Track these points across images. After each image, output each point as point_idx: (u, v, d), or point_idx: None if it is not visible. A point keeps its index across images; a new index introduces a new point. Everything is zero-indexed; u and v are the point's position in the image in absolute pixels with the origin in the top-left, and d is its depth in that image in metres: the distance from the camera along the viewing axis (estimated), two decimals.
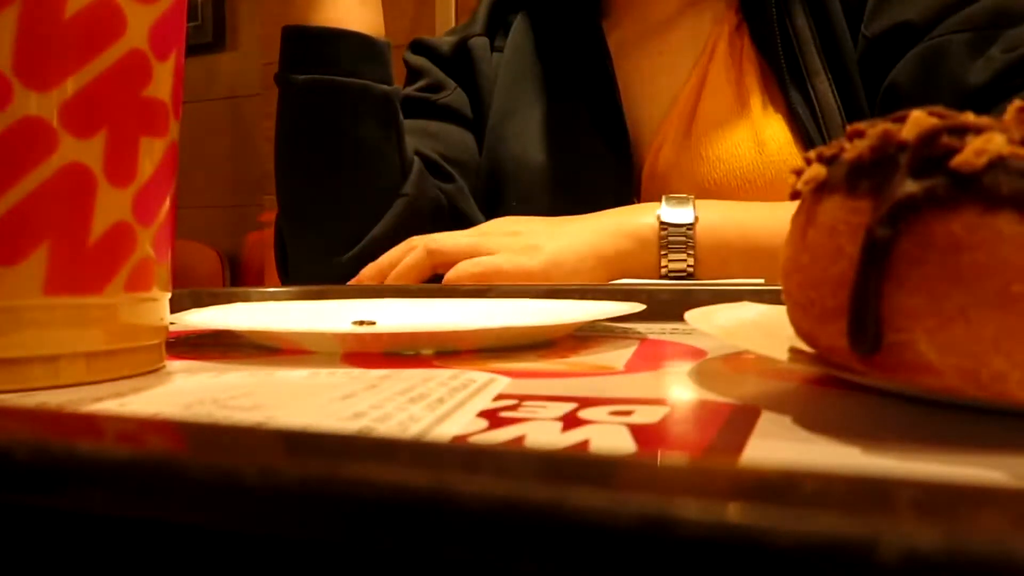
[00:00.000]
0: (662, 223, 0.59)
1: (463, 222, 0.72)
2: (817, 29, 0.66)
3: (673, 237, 0.58)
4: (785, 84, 0.65)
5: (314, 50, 0.67)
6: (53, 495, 0.12)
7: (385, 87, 0.68)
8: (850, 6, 0.67)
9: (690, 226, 0.58)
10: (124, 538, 0.14)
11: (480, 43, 0.80)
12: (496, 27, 0.81)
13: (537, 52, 0.77)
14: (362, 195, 0.67)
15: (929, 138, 0.17)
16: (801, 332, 0.21)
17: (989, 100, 0.58)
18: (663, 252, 0.59)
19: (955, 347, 0.17)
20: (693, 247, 0.58)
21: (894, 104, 0.63)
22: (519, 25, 0.79)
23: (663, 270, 0.59)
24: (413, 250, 0.60)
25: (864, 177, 0.19)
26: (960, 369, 0.17)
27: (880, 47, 0.65)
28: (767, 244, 0.57)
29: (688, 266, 0.58)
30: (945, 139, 0.17)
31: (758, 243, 0.57)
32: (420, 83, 0.80)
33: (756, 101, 0.67)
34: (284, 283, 0.76)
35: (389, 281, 0.60)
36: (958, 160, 0.17)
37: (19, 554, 0.15)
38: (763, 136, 0.66)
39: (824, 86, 0.64)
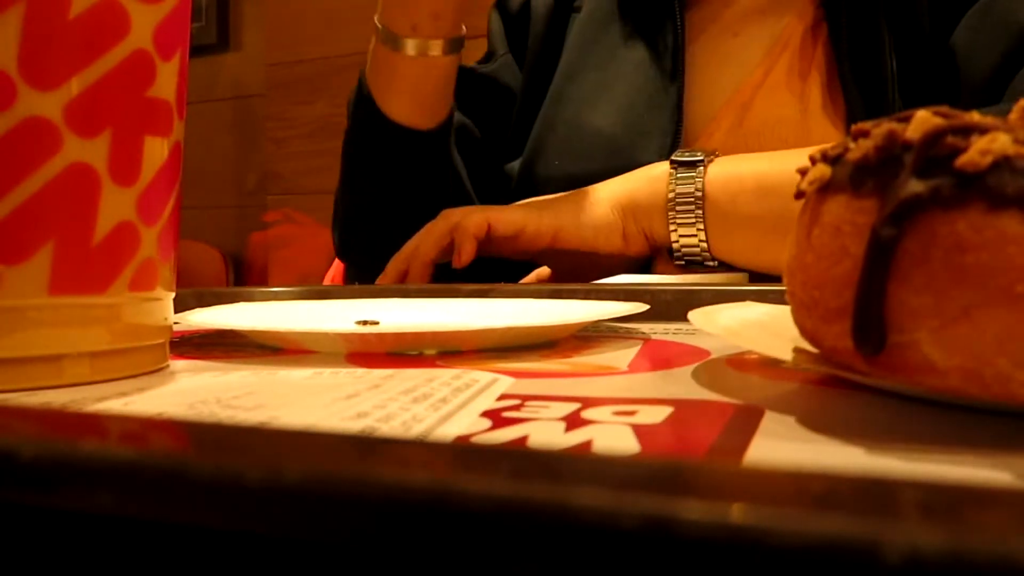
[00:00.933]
0: (672, 161, 0.60)
1: (461, 197, 0.75)
2: (893, 35, 0.64)
3: (682, 172, 0.59)
4: (850, 93, 0.64)
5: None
6: (57, 495, 0.12)
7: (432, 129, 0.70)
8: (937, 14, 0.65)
9: (700, 162, 0.59)
10: (127, 538, 0.14)
11: (541, 3, 0.81)
12: None
13: (610, 18, 0.76)
14: (408, 214, 0.70)
15: (934, 138, 0.17)
16: (805, 332, 0.21)
17: None
18: (671, 184, 0.59)
19: (959, 348, 0.17)
20: (702, 177, 0.59)
21: (953, 67, 0.62)
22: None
23: (670, 195, 0.59)
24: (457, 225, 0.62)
25: (869, 177, 0.19)
26: (964, 370, 0.17)
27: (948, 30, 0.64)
28: (778, 183, 0.56)
29: (696, 190, 0.58)
30: (950, 139, 0.17)
31: (770, 181, 0.57)
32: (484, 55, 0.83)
33: (816, 101, 0.65)
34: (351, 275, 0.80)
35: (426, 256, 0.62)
36: (963, 160, 0.17)
37: (22, 554, 0.15)
38: (815, 137, 0.65)
39: (893, 94, 0.63)
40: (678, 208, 0.59)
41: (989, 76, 0.59)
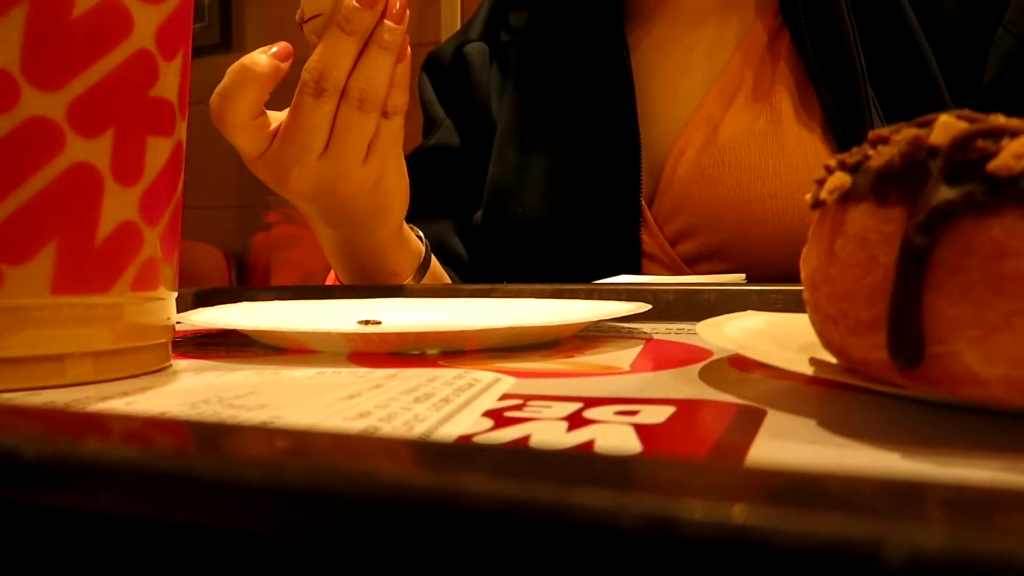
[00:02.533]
0: None
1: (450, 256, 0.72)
2: (861, 34, 0.63)
3: None
4: (822, 92, 0.63)
5: None
6: (60, 494, 0.12)
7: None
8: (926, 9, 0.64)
9: None
10: (130, 537, 0.14)
11: (475, 49, 0.78)
12: (497, 28, 0.79)
13: (550, 50, 0.74)
14: None
15: (963, 142, 0.17)
16: (831, 345, 0.21)
17: None
18: None
19: (1002, 357, 0.16)
20: None
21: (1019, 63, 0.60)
22: (529, 23, 0.76)
23: None
24: None
25: (894, 185, 0.18)
26: (1008, 379, 0.17)
27: (970, 28, 0.62)
28: None
29: None
30: (980, 143, 0.17)
31: None
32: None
33: (788, 108, 0.64)
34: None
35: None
36: (995, 164, 0.16)
37: (26, 553, 0.15)
38: (790, 145, 0.64)
39: (864, 88, 0.62)
40: None
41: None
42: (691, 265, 0.65)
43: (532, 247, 0.69)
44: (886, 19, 0.64)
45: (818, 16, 0.64)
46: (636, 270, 0.66)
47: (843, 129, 0.62)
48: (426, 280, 0.61)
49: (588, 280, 0.60)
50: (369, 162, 0.50)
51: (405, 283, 0.59)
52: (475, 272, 0.73)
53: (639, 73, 0.70)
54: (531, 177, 0.70)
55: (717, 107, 0.67)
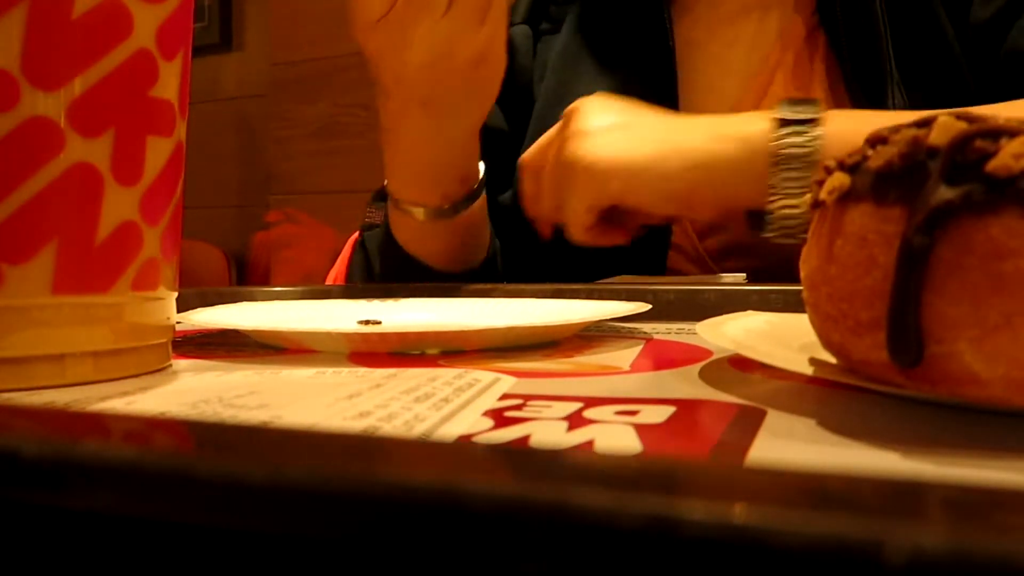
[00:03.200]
0: (778, 119, 0.50)
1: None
2: (893, 35, 0.62)
3: (792, 131, 0.49)
4: (854, 92, 0.62)
5: None
6: (59, 494, 0.12)
7: None
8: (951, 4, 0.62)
9: (812, 121, 0.48)
10: (130, 537, 0.14)
11: (520, 32, 0.77)
12: (541, 11, 0.78)
13: (594, 38, 0.73)
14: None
15: (962, 143, 0.17)
16: (831, 345, 0.21)
17: None
18: (777, 144, 0.49)
19: (1002, 357, 0.16)
20: (819, 141, 0.48)
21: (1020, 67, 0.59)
22: (575, 8, 0.75)
23: (774, 159, 0.49)
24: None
25: (894, 185, 0.18)
26: (1008, 379, 0.17)
27: (992, 26, 0.61)
28: None
29: (811, 151, 0.48)
30: (979, 143, 0.17)
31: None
32: None
33: (821, 97, 0.63)
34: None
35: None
36: (994, 164, 0.16)
37: (25, 553, 0.15)
38: None
39: (901, 97, 0.61)
40: (784, 174, 0.49)
41: None
42: (717, 261, 0.64)
43: (560, 231, 0.69)
44: (919, 19, 0.63)
45: (854, 16, 0.63)
46: (662, 261, 0.65)
47: None
48: (472, 219, 0.60)
49: (614, 266, 0.59)
50: (486, 24, 0.51)
51: (453, 204, 0.58)
52: (504, 252, 0.72)
53: (680, 63, 0.69)
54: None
55: (752, 104, 0.66)
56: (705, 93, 0.69)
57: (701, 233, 0.65)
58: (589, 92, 0.69)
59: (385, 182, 0.62)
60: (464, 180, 0.59)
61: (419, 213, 0.59)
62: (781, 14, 0.69)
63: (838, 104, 0.63)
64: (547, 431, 0.18)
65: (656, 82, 0.68)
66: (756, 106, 0.65)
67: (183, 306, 0.35)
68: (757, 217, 0.50)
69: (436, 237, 0.61)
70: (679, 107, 0.67)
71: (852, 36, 0.64)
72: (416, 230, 0.61)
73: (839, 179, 0.20)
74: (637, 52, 0.71)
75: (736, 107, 0.66)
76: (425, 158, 0.58)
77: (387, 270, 0.66)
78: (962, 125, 0.17)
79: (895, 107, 0.61)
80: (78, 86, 0.24)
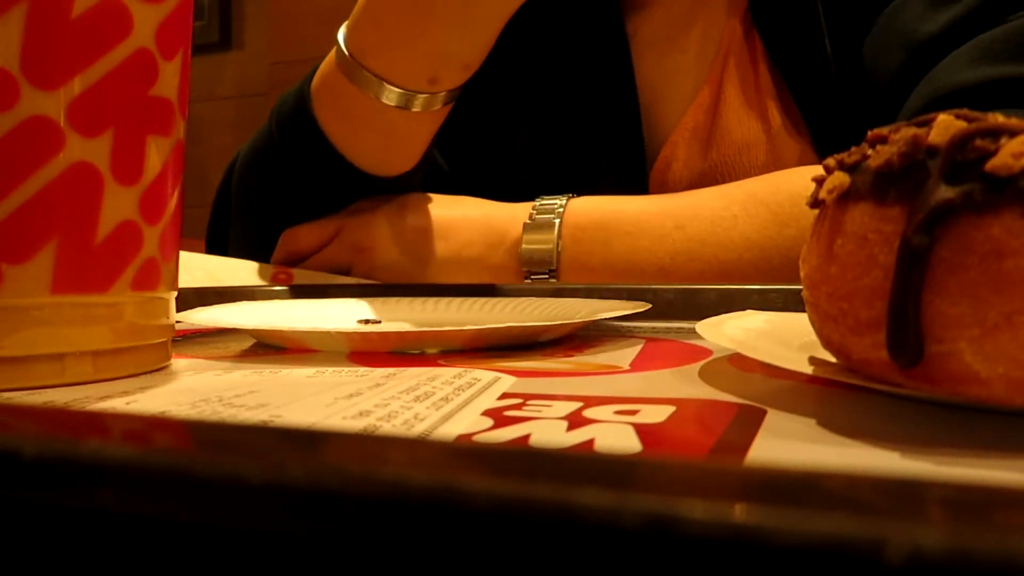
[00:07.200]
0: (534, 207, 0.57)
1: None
2: (831, 35, 0.62)
3: (541, 215, 0.56)
4: (800, 90, 0.62)
5: None
6: (59, 493, 0.12)
7: None
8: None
9: (561, 206, 0.56)
10: (130, 536, 0.14)
11: None
12: None
13: (549, 43, 0.72)
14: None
15: (961, 142, 0.17)
16: (831, 345, 0.21)
17: (940, 50, 0.52)
18: (525, 232, 0.55)
19: (1003, 356, 0.16)
20: (559, 228, 0.55)
21: (860, 76, 0.60)
22: (529, 14, 0.75)
23: (523, 246, 0.55)
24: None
25: (893, 184, 0.18)
26: (1008, 379, 0.17)
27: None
28: (641, 225, 0.54)
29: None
30: (978, 142, 0.17)
31: (632, 222, 0.54)
32: None
33: (772, 104, 0.64)
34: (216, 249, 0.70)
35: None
36: (994, 163, 0.16)
37: (25, 552, 0.15)
38: (778, 141, 0.63)
39: (835, 92, 0.61)
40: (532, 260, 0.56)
41: (888, 89, 0.57)
42: None
43: None
44: (807, 42, 0.63)
45: (785, 14, 0.63)
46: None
47: (820, 128, 0.62)
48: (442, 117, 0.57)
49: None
50: None
51: (449, 92, 0.54)
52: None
53: (639, 73, 0.69)
54: (531, 175, 0.70)
55: (704, 107, 0.66)
56: (662, 100, 0.69)
57: None
58: (542, 105, 0.69)
59: (340, 40, 0.53)
60: (467, 67, 0.52)
61: (390, 95, 0.52)
62: (723, 11, 0.68)
63: (783, 102, 0.64)
64: (547, 430, 0.18)
65: (614, 86, 0.68)
66: (711, 105, 0.66)
67: (183, 306, 0.35)
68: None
69: (401, 131, 0.55)
70: (639, 110, 0.67)
71: (785, 34, 0.64)
72: (377, 124, 0.54)
73: (839, 178, 0.20)
74: (593, 56, 0.70)
75: (690, 108, 0.66)
76: (440, 20, 0.50)
77: (285, 162, 0.58)
78: (962, 124, 0.17)
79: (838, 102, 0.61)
80: (78, 85, 0.24)
